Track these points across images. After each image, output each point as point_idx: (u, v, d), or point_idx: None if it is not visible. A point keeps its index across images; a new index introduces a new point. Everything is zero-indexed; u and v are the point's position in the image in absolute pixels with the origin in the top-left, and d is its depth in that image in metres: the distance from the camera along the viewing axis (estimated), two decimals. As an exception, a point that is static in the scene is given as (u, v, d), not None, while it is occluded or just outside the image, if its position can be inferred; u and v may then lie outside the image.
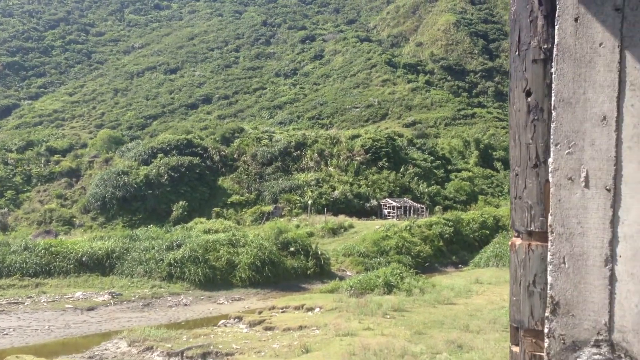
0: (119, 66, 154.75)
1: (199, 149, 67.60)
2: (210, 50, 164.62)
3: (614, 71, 1.33)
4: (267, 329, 20.54)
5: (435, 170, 74.70)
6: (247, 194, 62.88)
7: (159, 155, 63.90)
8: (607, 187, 1.34)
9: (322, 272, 35.64)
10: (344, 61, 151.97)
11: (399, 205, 60.13)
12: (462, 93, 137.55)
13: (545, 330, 1.38)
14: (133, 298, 28.79)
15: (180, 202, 57.84)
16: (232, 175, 65.89)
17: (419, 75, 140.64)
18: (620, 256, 1.33)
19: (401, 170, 69.80)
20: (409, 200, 62.60)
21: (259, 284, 32.16)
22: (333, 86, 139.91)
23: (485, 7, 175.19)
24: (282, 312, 23.92)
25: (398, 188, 66.10)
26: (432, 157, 78.35)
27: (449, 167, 78.96)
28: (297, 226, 48.42)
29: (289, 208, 58.80)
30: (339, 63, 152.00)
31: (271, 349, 17.17)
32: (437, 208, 62.84)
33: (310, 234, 44.84)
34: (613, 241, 1.33)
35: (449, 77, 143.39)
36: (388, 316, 20.03)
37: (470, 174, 77.81)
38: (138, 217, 57.07)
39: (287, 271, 34.09)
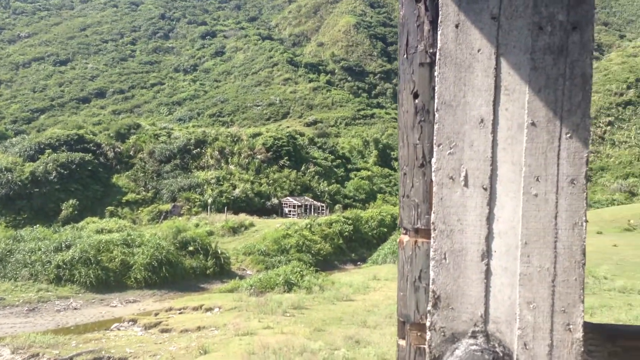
0: (3, 56, 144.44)
1: (91, 145, 64.47)
2: (104, 42, 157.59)
3: (491, 76, 1.40)
4: (163, 331, 19.97)
5: (335, 169, 75.95)
6: (143, 192, 60.81)
7: (47, 151, 60.26)
8: (484, 186, 1.41)
9: (222, 271, 35.18)
10: (245, 58, 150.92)
11: (299, 204, 60.56)
12: (362, 94, 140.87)
13: (427, 324, 1.43)
14: (17, 303, 26.98)
15: (71, 201, 54.91)
16: (127, 172, 63.47)
17: (320, 75, 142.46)
18: (495, 251, 1.40)
19: (302, 169, 70.37)
20: (310, 199, 63.23)
21: (156, 285, 31.19)
22: (234, 83, 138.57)
23: (384, 11, 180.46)
24: (179, 313, 23.35)
25: (299, 187, 66.58)
26: (332, 156, 79.60)
27: (349, 166, 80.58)
28: (197, 225, 47.50)
29: (188, 207, 57.53)
30: (240, 60, 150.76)
31: (167, 351, 16.71)
32: (337, 206, 63.93)
33: (210, 233, 44.13)
34: (489, 237, 1.41)
35: (350, 78, 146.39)
36: (288, 314, 20.11)
37: (370, 173, 79.84)
38: (23, 217, 53.54)
39: (186, 271, 33.33)
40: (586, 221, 1.40)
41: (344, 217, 50.10)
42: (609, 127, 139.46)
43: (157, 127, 76.45)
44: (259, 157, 68.90)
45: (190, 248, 34.88)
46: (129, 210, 57.51)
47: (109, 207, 56.95)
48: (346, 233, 47.08)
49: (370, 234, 49.86)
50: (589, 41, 1.36)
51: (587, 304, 23.18)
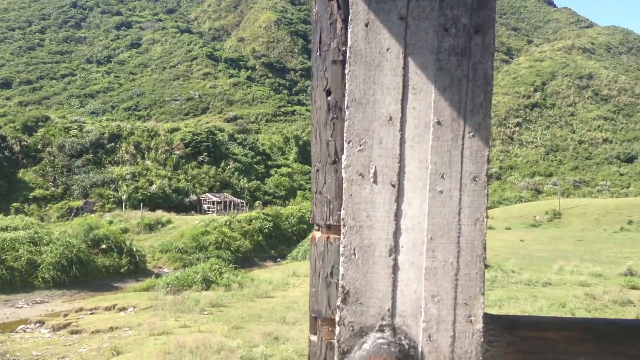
0: None
1: (-5, 138, 60.83)
2: (11, 30, 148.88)
3: (399, 75, 1.43)
4: (73, 332, 19.14)
5: (255, 166, 75.58)
6: (52, 188, 57.99)
7: (-55, 143, 56.35)
8: (392, 183, 1.43)
9: (137, 270, 34.16)
10: (163, 51, 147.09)
11: (219, 200, 59.81)
12: (283, 90, 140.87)
13: (337, 319, 1.45)
14: None
15: (-28, 197, 51.61)
16: (35, 167, 60.31)
17: (241, 71, 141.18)
18: (402, 247, 1.43)
19: (222, 165, 69.50)
20: (229, 195, 62.59)
21: (65, 284, 29.84)
22: (151, 77, 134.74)
23: (305, 8, 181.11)
24: (90, 313, 22.46)
25: (218, 183, 65.74)
26: (252, 153, 79.15)
27: (269, 162, 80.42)
28: (111, 222, 45.87)
29: (102, 203, 55.43)
30: (157, 53, 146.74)
31: (77, 353, 16.05)
32: (257, 203, 63.65)
33: (125, 230, 42.75)
34: (397, 233, 1.44)
35: (270, 74, 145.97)
36: (206, 312, 19.83)
37: (290, 169, 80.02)
38: None
39: (98, 270, 32.11)
40: (487, 217, 1.46)
41: (264, 213, 49.95)
42: (517, 128, 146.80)
43: (68, 120, 73.10)
44: (177, 152, 67.40)
45: (103, 246, 33.64)
46: (36, 207, 54.69)
47: (14, 204, 53.91)
48: (266, 230, 46.98)
49: (290, 230, 50.01)
50: (491, 44, 1.41)
51: (495, 297, 24.35)
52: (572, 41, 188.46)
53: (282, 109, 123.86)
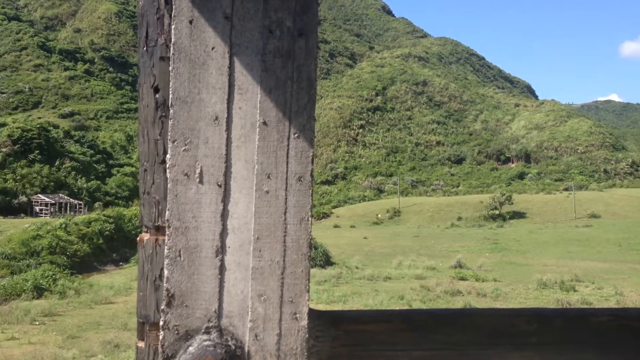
0: None
1: None
2: None
3: (225, 75, 1.42)
4: None
5: (95, 165, 71.38)
6: None
7: None
8: (219, 183, 1.42)
9: (-45, 280, 30.61)
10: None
11: (53, 202, 55.60)
12: (125, 86, 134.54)
13: (161, 323, 1.41)
14: None
15: None
16: None
17: (78, 64, 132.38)
18: (229, 247, 1.43)
19: (57, 164, 64.70)
20: (65, 196, 58.46)
21: None
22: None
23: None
24: None
25: (53, 183, 61.10)
26: (92, 151, 74.68)
27: (111, 161, 76.41)
28: None
29: None
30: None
31: None
32: (97, 204, 60.13)
33: (-60, 237, 38.16)
34: (223, 233, 1.43)
35: (111, 69, 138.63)
36: (37, 322, 18.33)
37: (134, 169, 76.65)
38: None
39: None
40: (312, 216, 1.50)
41: (104, 215, 47.31)
42: (361, 130, 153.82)
43: None
44: (3, 150, 61.53)
45: None
46: None
47: None
48: (107, 232, 44.52)
49: (133, 232, 47.86)
50: (314, 47, 1.46)
51: (340, 292, 25.35)
52: (409, 49, 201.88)
53: (125, 106, 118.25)
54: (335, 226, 76.10)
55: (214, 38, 1.41)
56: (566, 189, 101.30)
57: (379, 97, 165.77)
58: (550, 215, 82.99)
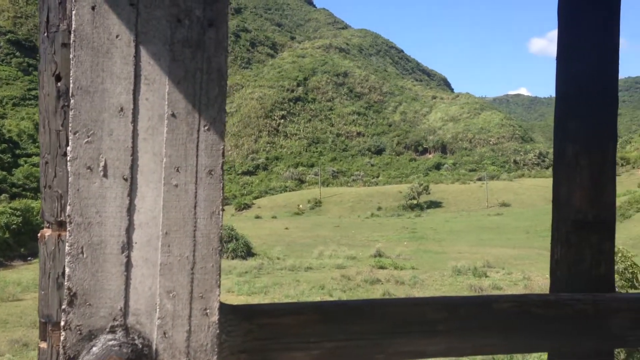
0: None
1: None
2: None
3: (130, 64, 1.37)
4: None
5: (0, 155, 67.46)
6: None
7: None
8: (125, 177, 1.37)
9: None
10: None
11: (-46, 194, 52.08)
12: (33, 71, 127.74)
13: (62, 323, 1.35)
14: None
15: None
16: None
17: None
18: (136, 243, 1.38)
19: (-42, 153, 60.64)
20: (-32, 188, 54.91)
21: None
22: None
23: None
24: None
25: (-47, 174, 57.24)
26: (-3, 140, 70.48)
27: (18, 151, 72.47)
28: None
29: None
30: None
31: None
32: (2, 196, 56.89)
33: None
34: (130, 229, 1.38)
35: (18, 53, 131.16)
36: None
37: (43, 159, 73.12)
38: None
39: None
40: (223, 210, 1.47)
41: (11, 208, 44.74)
42: (282, 120, 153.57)
43: None
44: None
45: None
46: None
47: None
48: (14, 226, 42.15)
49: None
50: (224, 39, 1.43)
51: (262, 284, 25.33)
52: (330, 40, 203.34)
53: (33, 92, 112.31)
54: (257, 217, 75.85)
55: (119, 25, 1.35)
56: (479, 179, 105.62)
57: (300, 87, 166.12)
58: (465, 205, 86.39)
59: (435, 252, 39.80)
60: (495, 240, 48.02)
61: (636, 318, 1.83)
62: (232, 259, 32.66)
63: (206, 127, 1.42)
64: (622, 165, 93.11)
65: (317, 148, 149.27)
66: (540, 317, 1.79)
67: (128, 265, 1.38)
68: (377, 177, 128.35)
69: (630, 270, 9.70)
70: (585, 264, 1.96)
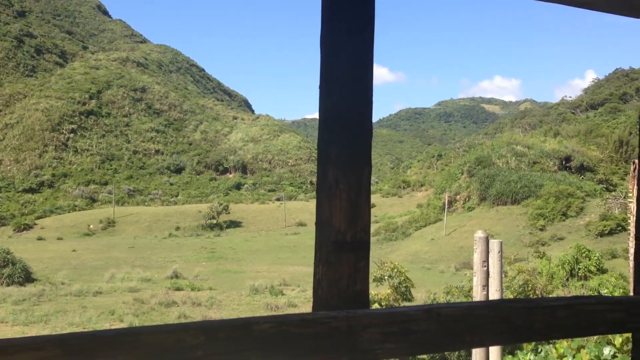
0: None
1: None
2: None
3: None
4: None
5: None
6: None
7: None
8: None
9: None
10: None
11: None
12: None
13: None
14: None
15: None
16: None
17: None
18: None
19: None
20: None
21: None
22: None
23: None
24: None
25: None
26: None
27: None
28: None
29: None
30: None
31: None
32: None
33: None
34: None
35: None
36: None
37: None
38: None
39: None
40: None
41: None
42: (72, 135, 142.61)
43: None
44: None
45: None
46: None
47: None
48: None
49: None
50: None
51: (42, 312, 23.07)
52: (127, 54, 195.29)
53: None
54: (39, 238, 69.27)
55: None
56: (278, 199, 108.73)
57: (93, 100, 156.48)
58: (264, 224, 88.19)
59: (233, 272, 39.95)
60: (291, 258, 49.74)
61: (386, 332, 1.97)
62: (8, 285, 29.50)
63: None
64: (404, 188, 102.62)
65: (111, 165, 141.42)
66: (298, 336, 1.84)
67: None
68: (177, 196, 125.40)
69: (404, 285, 10.61)
70: (343, 282, 2.07)
